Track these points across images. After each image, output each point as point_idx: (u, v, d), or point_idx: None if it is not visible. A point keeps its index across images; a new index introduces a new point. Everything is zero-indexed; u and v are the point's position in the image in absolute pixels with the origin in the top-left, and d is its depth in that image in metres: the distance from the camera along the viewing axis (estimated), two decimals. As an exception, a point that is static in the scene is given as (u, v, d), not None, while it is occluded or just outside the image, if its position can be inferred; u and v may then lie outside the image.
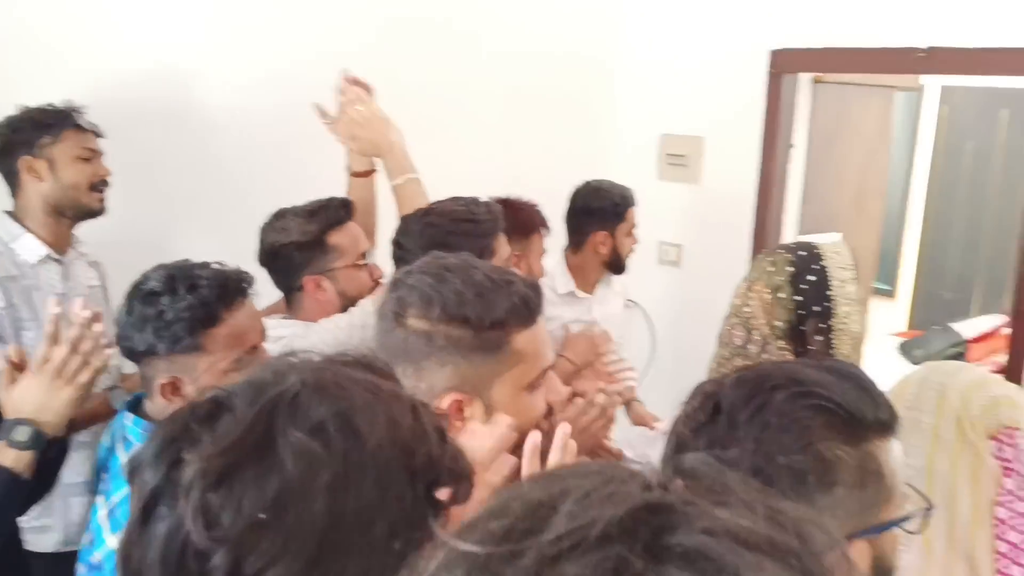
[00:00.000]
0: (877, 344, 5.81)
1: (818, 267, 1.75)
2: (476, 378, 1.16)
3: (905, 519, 0.87)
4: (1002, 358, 3.09)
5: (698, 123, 3.55)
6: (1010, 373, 2.83)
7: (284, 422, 0.68)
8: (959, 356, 5.39)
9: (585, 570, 0.34)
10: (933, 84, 5.84)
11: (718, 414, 0.91)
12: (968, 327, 5.61)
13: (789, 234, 3.48)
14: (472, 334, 1.16)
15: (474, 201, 1.92)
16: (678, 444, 0.97)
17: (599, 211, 2.80)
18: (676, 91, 3.60)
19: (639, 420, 2.85)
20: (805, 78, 3.34)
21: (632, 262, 3.24)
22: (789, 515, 0.37)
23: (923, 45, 2.84)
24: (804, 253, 1.79)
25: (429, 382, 1.16)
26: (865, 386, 0.91)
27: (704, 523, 0.35)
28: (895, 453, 0.89)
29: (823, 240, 1.93)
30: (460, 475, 0.82)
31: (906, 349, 5.68)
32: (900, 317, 6.38)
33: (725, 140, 3.48)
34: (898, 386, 1.77)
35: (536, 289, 1.23)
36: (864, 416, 0.88)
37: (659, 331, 3.69)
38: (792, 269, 1.75)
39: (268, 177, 2.65)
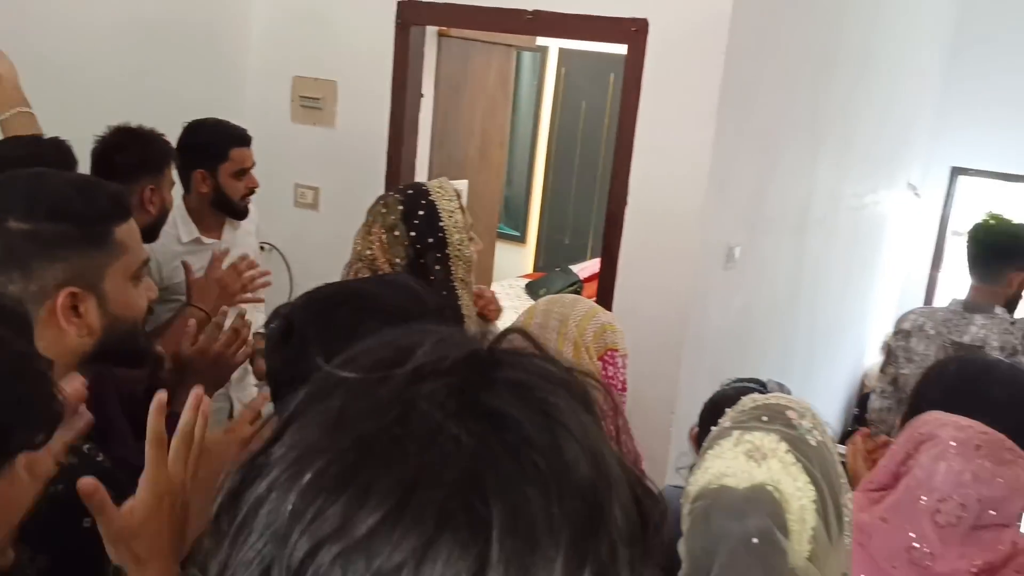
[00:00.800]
0: (507, 285, 6.32)
1: (426, 202, 1.90)
2: (87, 271, 1.23)
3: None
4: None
5: (331, 67, 3.60)
6: (601, 304, 3.26)
7: None
8: (576, 293, 6.04)
9: (437, 387, 0.45)
10: (553, 46, 6.38)
11: (291, 333, 1.00)
12: (583, 268, 6.30)
13: (420, 179, 3.67)
14: (78, 228, 1.22)
15: (36, 141, 1.82)
16: (268, 371, 1.05)
17: (198, 149, 2.72)
18: (309, 34, 3.62)
19: (262, 375, 2.87)
20: (431, 31, 3.53)
21: (269, 205, 3.24)
22: (576, 368, 0.51)
23: (530, 8, 3.13)
24: (411, 192, 1.94)
25: (40, 282, 1.20)
26: (416, 292, 1.05)
27: (523, 365, 0.48)
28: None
29: (431, 182, 2.10)
30: (39, 420, 0.85)
31: (532, 289, 6.24)
32: (529, 260, 6.98)
33: (358, 85, 3.58)
34: (524, 317, 2.01)
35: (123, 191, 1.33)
36: (415, 317, 1.02)
37: (297, 274, 3.74)
38: (403, 208, 1.89)
39: None
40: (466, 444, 0.43)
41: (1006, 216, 3.12)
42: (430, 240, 1.90)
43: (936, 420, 1.44)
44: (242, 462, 0.47)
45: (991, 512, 1.34)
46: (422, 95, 3.59)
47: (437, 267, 1.92)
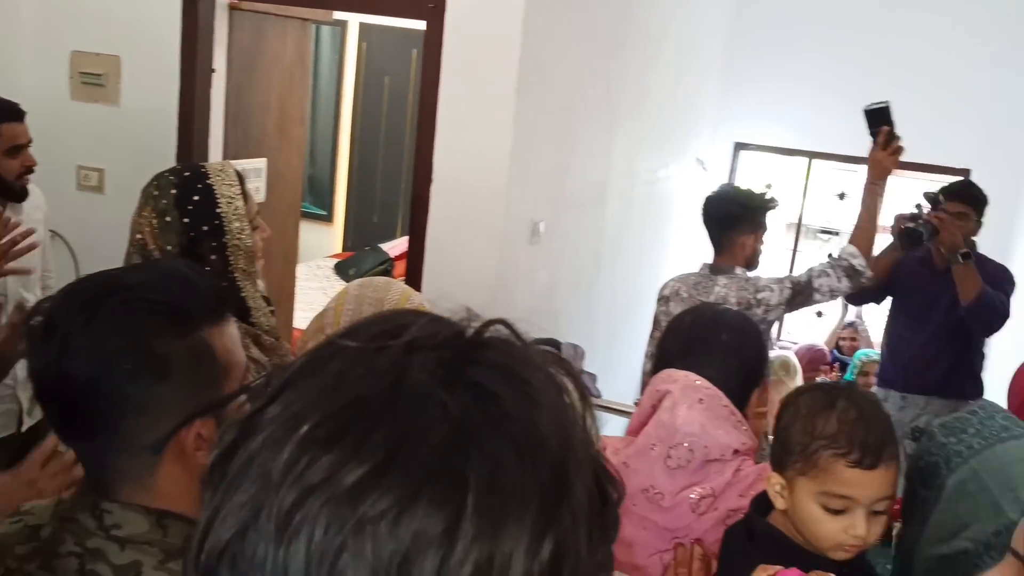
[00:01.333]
0: (315, 266, 6.19)
1: (203, 186, 1.77)
2: None
3: (246, 389, 0.99)
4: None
5: (114, 41, 3.38)
6: (411, 283, 3.26)
7: None
8: (387, 272, 6.00)
9: (428, 359, 0.49)
10: (353, 20, 6.27)
11: (53, 330, 0.93)
12: (393, 246, 6.28)
13: (216, 157, 3.52)
14: None
15: None
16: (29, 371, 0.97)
17: None
18: (88, 6, 3.38)
19: None
20: (221, 3, 3.37)
21: (50, 189, 3.00)
22: (551, 358, 0.54)
23: (326, -18, 3.07)
24: (188, 174, 1.79)
25: None
26: (191, 280, 1.00)
27: (506, 349, 0.52)
28: (229, 334, 1.00)
29: (212, 164, 1.98)
30: None
31: (341, 269, 6.16)
32: (337, 240, 6.87)
33: (143, 61, 3.38)
34: (336, 302, 1.95)
35: None
36: (190, 308, 0.97)
37: (83, 262, 3.50)
38: (176, 191, 1.75)
39: None
40: (452, 411, 0.46)
41: (736, 185, 3.39)
42: (205, 228, 1.76)
43: (670, 377, 1.61)
44: (238, 421, 0.50)
45: (714, 453, 1.53)
46: (213, 70, 3.43)
47: (213, 257, 1.78)
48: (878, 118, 2.86)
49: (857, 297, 3.83)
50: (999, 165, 5.21)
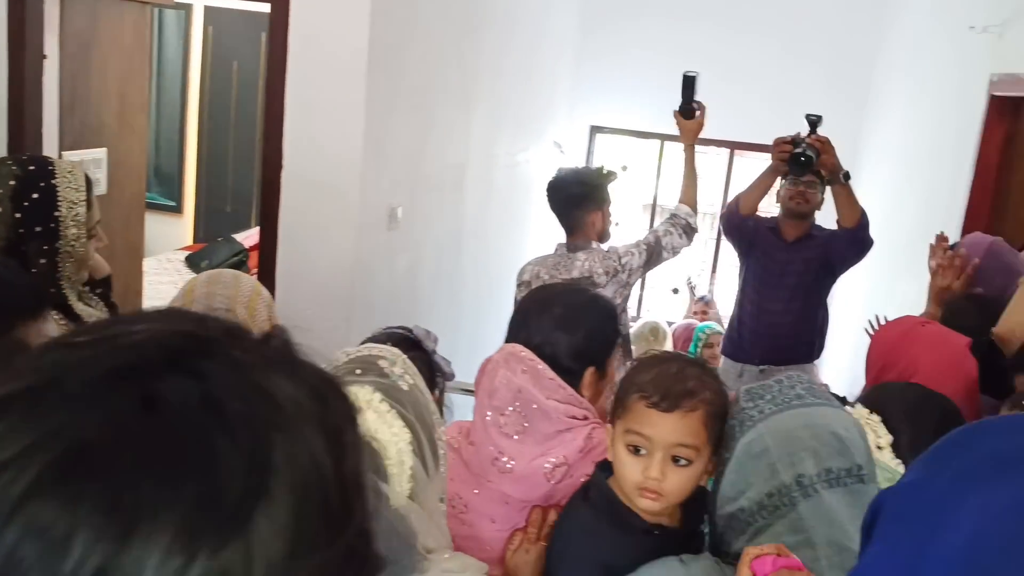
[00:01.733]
0: (165, 259, 5.95)
1: (46, 185, 1.69)
2: None
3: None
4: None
5: (-73, 23, 3.13)
6: (264, 274, 3.18)
7: None
8: (242, 263, 5.83)
9: (130, 357, 0.45)
10: (198, 3, 6.03)
11: None
12: (248, 237, 6.09)
13: (51, 148, 3.33)
14: None
15: None
16: None
17: None
18: None
19: None
20: (49, -16, 3.18)
21: None
22: (321, 384, 0.50)
23: (163, -38, 2.93)
24: (33, 168, 1.70)
25: None
26: (4, 277, 0.95)
27: (236, 361, 0.47)
28: (47, 332, 0.96)
29: (63, 162, 1.87)
30: None
31: (193, 261, 5.93)
32: (187, 231, 6.60)
33: (-37, 45, 3.15)
34: (182, 299, 1.86)
35: None
36: (4, 305, 0.92)
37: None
38: (15, 183, 1.66)
39: None
40: (91, 419, 0.43)
41: (573, 167, 3.48)
42: (38, 229, 1.68)
43: (500, 349, 1.65)
44: None
45: (553, 422, 1.55)
46: (45, 56, 3.23)
47: (42, 260, 1.70)
48: (692, 85, 3.13)
49: (736, 241, 3.80)
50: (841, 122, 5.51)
